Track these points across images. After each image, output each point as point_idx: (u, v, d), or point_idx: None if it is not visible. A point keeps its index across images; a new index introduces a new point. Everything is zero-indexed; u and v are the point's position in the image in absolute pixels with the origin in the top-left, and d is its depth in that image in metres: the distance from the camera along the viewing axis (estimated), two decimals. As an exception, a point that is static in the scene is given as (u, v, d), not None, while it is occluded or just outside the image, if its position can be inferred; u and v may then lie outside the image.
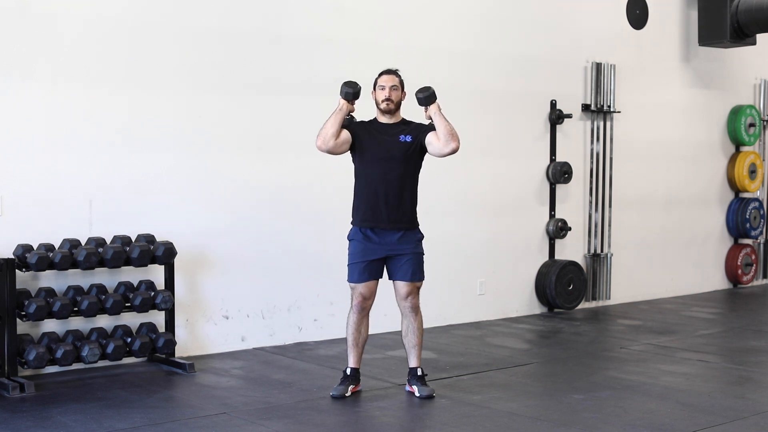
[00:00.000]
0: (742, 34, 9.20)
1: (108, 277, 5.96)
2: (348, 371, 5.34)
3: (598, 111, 8.71)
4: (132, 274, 6.04)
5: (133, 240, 5.96)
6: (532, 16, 8.22)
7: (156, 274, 6.13)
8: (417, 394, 5.29)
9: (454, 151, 5.19)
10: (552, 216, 8.44)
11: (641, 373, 5.94)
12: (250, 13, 6.58)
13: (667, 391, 5.48)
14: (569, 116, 8.41)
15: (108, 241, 5.89)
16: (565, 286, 8.33)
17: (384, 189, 5.21)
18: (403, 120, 5.35)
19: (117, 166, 6.05)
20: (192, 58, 6.35)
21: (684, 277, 9.68)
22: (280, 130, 6.75)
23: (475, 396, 5.34)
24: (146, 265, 5.90)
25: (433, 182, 7.41)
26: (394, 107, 5.26)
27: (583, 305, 8.66)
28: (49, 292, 5.67)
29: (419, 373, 5.34)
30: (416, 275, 5.27)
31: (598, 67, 8.67)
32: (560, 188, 8.49)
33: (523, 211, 8.26)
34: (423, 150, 5.30)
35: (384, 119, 5.30)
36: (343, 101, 5.22)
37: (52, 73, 5.80)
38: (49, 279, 5.79)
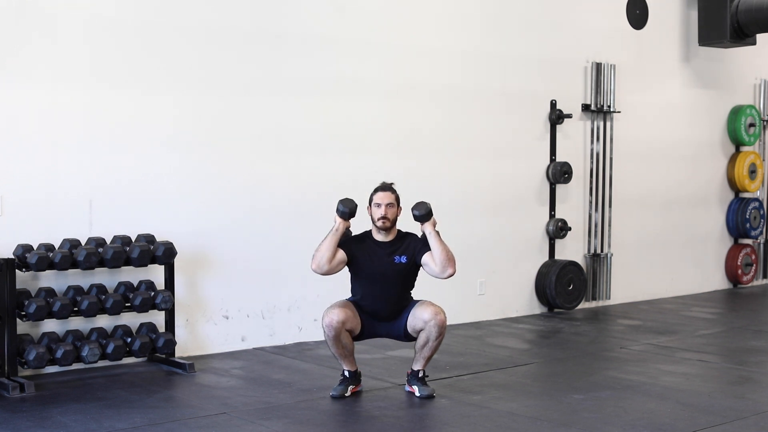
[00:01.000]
0: (742, 34, 9.20)
1: (108, 277, 5.96)
2: (346, 373, 5.33)
3: (598, 111, 8.71)
4: (132, 274, 6.04)
5: (133, 240, 5.96)
6: (533, 16, 8.22)
7: (156, 274, 6.13)
8: (417, 394, 5.29)
9: (450, 276, 5.22)
10: (552, 216, 8.44)
11: (641, 373, 5.94)
12: (250, 13, 6.58)
13: (667, 391, 5.48)
14: (569, 116, 8.41)
15: (108, 241, 5.89)
16: (565, 286, 8.33)
17: (381, 301, 5.28)
18: (399, 234, 5.32)
19: (117, 166, 6.05)
20: (192, 58, 6.35)
21: (684, 277, 9.68)
22: (281, 131, 6.75)
23: (475, 396, 5.34)
24: (146, 265, 5.90)
25: (434, 182, 7.43)
26: (390, 224, 5.24)
27: (583, 305, 8.66)
28: (49, 292, 5.67)
29: (420, 374, 5.33)
30: (417, 310, 5.26)
31: (598, 67, 8.67)
32: (560, 188, 8.49)
33: (523, 211, 8.25)
34: (418, 266, 5.31)
35: (379, 237, 5.28)
36: (339, 220, 5.20)
37: (52, 73, 5.80)
38: (49, 279, 5.79)
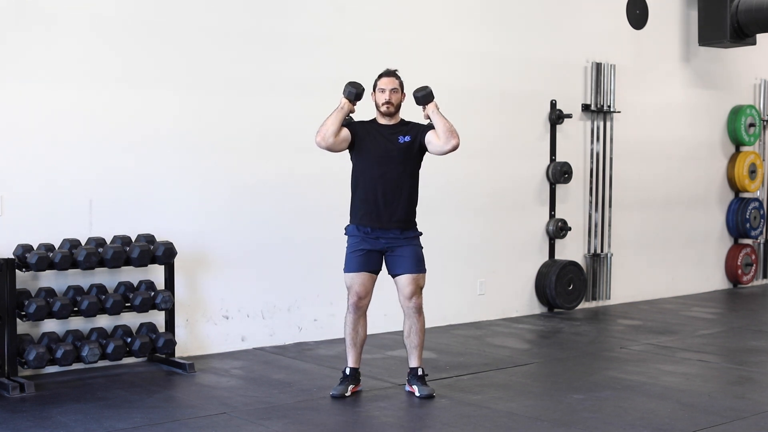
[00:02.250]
0: (742, 34, 9.20)
1: (108, 277, 5.96)
2: (347, 371, 5.35)
3: (598, 111, 8.71)
4: (132, 274, 6.04)
5: (133, 240, 5.96)
6: (532, 16, 8.22)
7: (156, 274, 6.13)
8: (417, 394, 5.29)
9: (454, 148, 5.22)
10: (552, 216, 8.44)
11: (641, 373, 5.94)
12: (249, 13, 6.58)
13: (667, 391, 5.48)
14: (569, 116, 8.41)
15: (108, 241, 5.89)
16: (565, 286, 8.33)
17: (382, 189, 5.23)
18: (402, 121, 5.37)
19: (117, 166, 6.05)
20: (192, 58, 6.35)
21: (684, 277, 9.68)
22: (280, 130, 6.75)
23: (475, 396, 5.34)
24: (146, 265, 5.90)
25: (434, 182, 7.41)
26: (393, 110, 5.29)
27: (583, 305, 8.66)
28: (49, 292, 5.67)
29: (420, 373, 5.34)
30: (418, 267, 5.26)
31: (598, 67, 8.67)
32: (560, 188, 8.49)
33: (523, 211, 8.26)
34: (422, 150, 5.32)
35: (383, 121, 5.33)
36: (345, 100, 5.25)
37: (52, 72, 5.80)
38: (49, 279, 5.79)
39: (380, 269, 5.33)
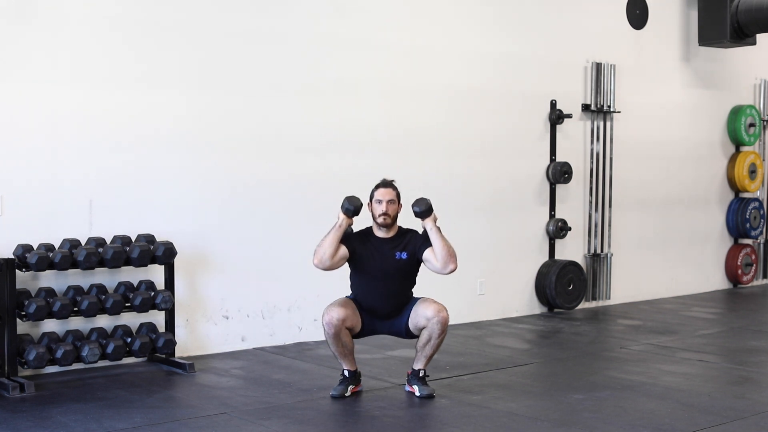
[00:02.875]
0: (742, 34, 9.20)
1: (108, 277, 5.96)
2: (346, 373, 5.33)
3: (598, 111, 8.71)
4: (132, 274, 6.04)
5: (133, 240, 5.96)
6: (533, 16, 8.22)
7: (156, 274, 6.13)
8: (417, 393, 5.29)
9: (452, 272, 5.23)
10: (552, 216, 8.44)
11: (641, 373, 5.94)
12: (249, 12, 6.58)
13: (667, 391, 5.48)
14: (569, 116, 8.41)
15: (108, 241, 5.89)
16: (565, 286, 8.33)
17: (382, 298, 5.28)
18: (399, 231, 5.33)
19: (117, 166, 6.05)
20: (192, 58, 6.35)
21: (684, 277, 9.69)
22: (280, 130, 6.75)
23: (475, 396, 5.34)
24: (146, 265, 5.90)
25: (434, 182, 7.43)
26: (390, 221, 5.25)
27: (583, 305, 8.66)
28: (49, 292, 5.67)
29: (421, 374, 5.33)
30: (419, 306, 5.27)
31: (598, 67, 8.68)
32: (560, 188, 8.49)
33: (523, 211, 8.25)
34: (419, 262, 5.31)
35: (380, 233, 5.29)
36: (343, 217, 5.21)
37: (52, 72, 5.79)
38: (49, 279, 5.79)
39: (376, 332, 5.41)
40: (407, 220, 5.41)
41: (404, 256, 5.25)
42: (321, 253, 5.17)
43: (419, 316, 5.23)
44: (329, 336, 5.16)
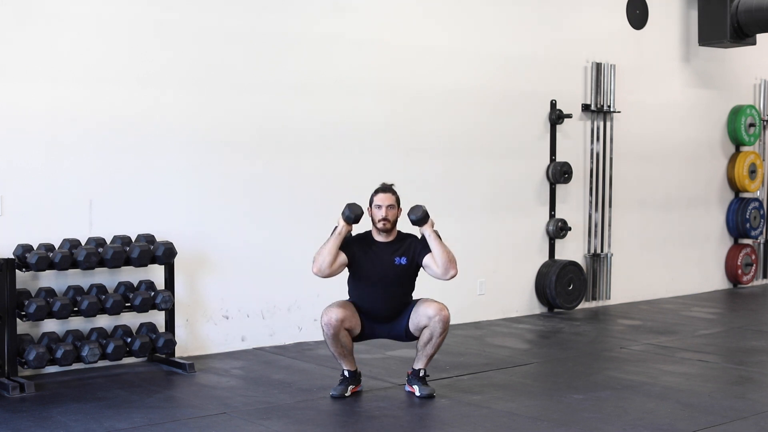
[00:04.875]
0: (742, 34, 9.21)
1: (108, 277, 5.96)
2: (346, 373, 5.33)
3: (598, 111, 8.71)
4: (132, 274, 6.04)
5: (133, 240, 5.96)
6: (532, 15, 8.22)
7: (156, 274, 6.13)
8: (417, 393, 5.29)
9: (453, 278, 5.21)
10: (552, 216, 8.44)
11: (641, 373, 5.94)
12: (249, 12, 6.58)
13: (667, 391, 5.48)
14: (569, 116, 8.41)
15: (108, 241, 5.89)
16: (565, 286, 8.33)
17: (380, 302, 5.27)
18: (399, 235, 5.32)
19: (117, 166, 6.05)
20: (192, 58, 6.35)
21: (684, 277, 9.69)
22: (281, 130, 6.75)
23: (475, 396, 5.34)
24: (146, 265, 5.90)
25: (434, 182, 7.43)
26: (390, 226, 5.25)
27: (583, 305, 8.66)
28: (49, 292, 5.67)
29: (421, 374, 5.34)
30: (417, 309, 5.26)
31: (598, 67, 8.68)
32: (560, 188, 8.49)
33: (523, 211, 8.26)
34: (419, 267, 5.31)
35: (380, 237, 5.29)
36: (343, 224, 5.20)
37: (52, 72, 5.80)
38: (49, 279, 5.79)
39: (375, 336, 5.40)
40: (407, 224, 5.41)
41: (404, 261, 5.25)
42: (320, 261, 5.17)
43: (420, 315, 5.22)
44: (328, 337, 5.16)
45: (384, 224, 5.23)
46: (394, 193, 5.28)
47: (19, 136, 5.70)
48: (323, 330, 5.17)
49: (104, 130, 5.99)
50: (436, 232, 5.23)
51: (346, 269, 5.31)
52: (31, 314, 5.44)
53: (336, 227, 5.21)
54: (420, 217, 5.21)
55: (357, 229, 5.38)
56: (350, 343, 5.26)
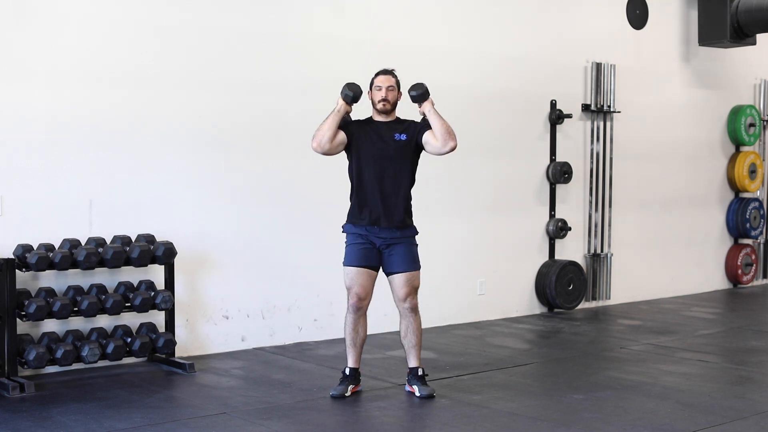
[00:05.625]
0: (742, 34, 9.21)
1: (108, 277, 5.96)
2: (347, 371, 5.34)
3: (598, 111, 8.72)
4: (132, 274, 6.04)
5: (133, 240, 5.96)
6: (533, 16, 8.22)
7: (156, 274, 6.13)
8: (417, 393, 5.29)
9: (452, 149, 5.23)
10: (552, 216, 8.44)
11: (641, 373, 5.94)
12: (249, 13, 6.58)
13: (667, 391, 5.48)
14: (569, 116, 8.41)
15: (108, 241, 5.89)
16: (565, 286, 8.33)
17: (380, 188, 5.23)
18: (398, 118, 5.37)
19: (117, 166, 6.05)
20: (192, 58, 6.35)
21: (684, 277, 9.69)
22: (281, 130, 6.75)
23: (475, 396, 5.34)
24: (146, 265, 5.90)
25: (434, 182, 7.43)
26: (390, 107, 5.29)
27: (583, 305, 8.66)
28: (49, 292, 5.67)
29: (420, 373, 5.34)
30: (412, 265, 5.26)
31: (598, 67, 8.68)
32: (560, 188, 8.49)
33: (523, 211, 8.26)
34: (419, 148, 5.32)
35: (379, 118, 5.33)
36: (342, 102, 5.24)
37: (52, 72, 5.80)
38: (49, 279, 5.79)
39: (379, 266, 5.31)
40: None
41: (403, 137, 5.27)
42: (320, 136, 5.20)
43: (396, 288, 5.24)
44: (351, 321, 5.26)
45: (384, 105, 5.26)
46: (394, 75, 5.33)
47: (19, 136, 5.70)
48: (348, 310, 5.25)
49: (104, 130, 6.00)
50: (435, 109, 5.25)
51: (346, 163, 5.32)
52: (31, 314, 5.44)
53: (335, 107, 5.23)
54: (420, 92, 5.25)
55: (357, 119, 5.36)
56: (365, 333, 5.34)
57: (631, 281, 9.09)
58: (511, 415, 4.93)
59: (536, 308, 8.40)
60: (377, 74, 5.34)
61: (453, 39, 7.69)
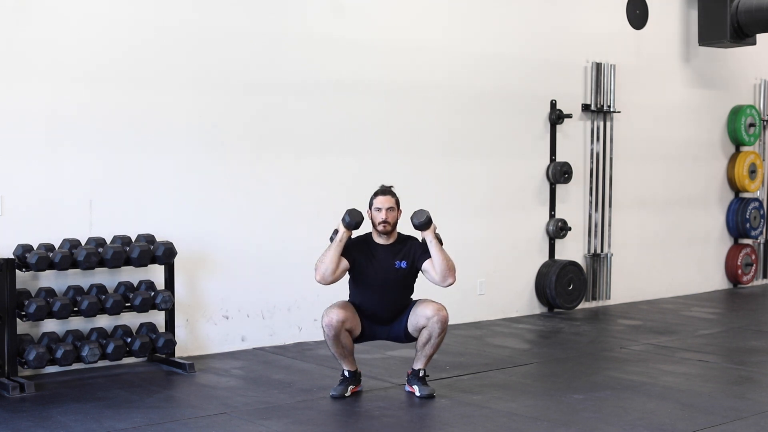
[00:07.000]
0: (742, 34, 9.20)
1: (108, 277, 5.96)
2: (346, 373, 5.33)
3: (598, 111, 8.71)
4: (132, 274, 6.04)
5: (133, 240, 5.96)
6: (533, 16, 8.22)
7: (156, 274, 6.13)
8: (417, 393, 5.29)
9: (450, 285, 5.25)
10: (552, 216, 8.44)
11: (641, 373, 5.94)
12: (249, 13, 6.58)
13: (667, 391, 5.48)
14: (569, 116, 8.41)
15: (108, 241, 5.89)
16: (565, 286, 8.33)
17: (381, 304, 5.28)
18: (399, 237, 5.33)
19: (117, 166, 6.05)
20: (192, 58, 6.35)
21: (684, 277, 9.69)
22: (281, 131, 6.75)
23: (475, 396, 5.34)
24: (146, 265, 5.90)
25: (434, 182, 7.44)
26: (390, 228, 5.26)
27: (583, 305, 8.66)
28: (49, 292, 5.67)
29: (421, 374, 5.34)
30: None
31: (598, 67, 8.68)
32: (560, 188, 8.49)
33: (523, 211, 8.26)
34: (418, 271, 5.33)
35: (380, 240, 5.30)
36: (343, 230, 5.20)
37: (52, 72, 5.79)
38: (49, 279, 5.79)
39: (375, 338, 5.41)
40: (407, 226, 5.40)
41: (404, 264, 5.26)
42: (323, 269, 5.18)
43: (419, 315, 5.23)
44: (329, 338, 5.16)
45: (384, 227, 5.23)
46: (393, 195, 5.28)
47: (19, 136, 5.70)
48: (324, 331, 5.16)
49: (104, 130, 6.00)
50: (438, 237, 5.24)
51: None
52: (31, 314, 5.44)
53: (335, 231, 5.21)
54: (423, 221, 5.21)
55: (357, 236, 5.37)
56: (351, 343, 5.26)
57: (631, 281, 9.09)
58: (511, 415, 4.93)
59: (536, 308, 8.40)
60: (376, 194, 5.29)
61: (453, 39, 7.69)
